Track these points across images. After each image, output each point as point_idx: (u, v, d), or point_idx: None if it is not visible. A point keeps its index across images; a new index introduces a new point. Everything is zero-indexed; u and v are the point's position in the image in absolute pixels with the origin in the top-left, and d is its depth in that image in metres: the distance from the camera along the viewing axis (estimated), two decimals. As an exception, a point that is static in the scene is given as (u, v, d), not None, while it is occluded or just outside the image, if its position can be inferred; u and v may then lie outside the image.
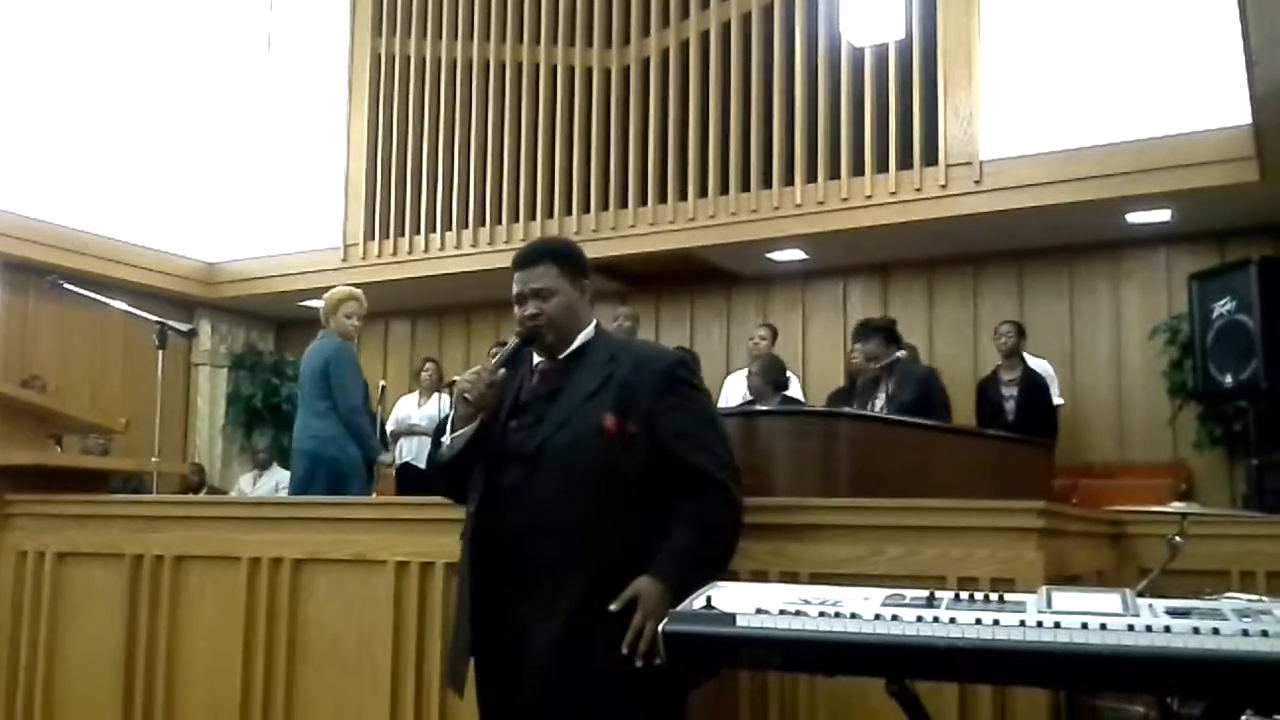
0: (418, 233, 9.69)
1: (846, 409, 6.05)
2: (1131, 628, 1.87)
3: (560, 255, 2.83)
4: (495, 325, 10.00)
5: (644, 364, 2.73)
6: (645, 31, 8.92)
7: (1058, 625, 1.91)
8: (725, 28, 8.58)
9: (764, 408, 6.26)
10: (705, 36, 8.65)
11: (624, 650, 2.46)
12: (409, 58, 9.97)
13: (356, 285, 6.51)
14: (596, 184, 8.92)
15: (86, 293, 6.40)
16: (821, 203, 8.02)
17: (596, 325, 2.85)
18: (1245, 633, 1.82)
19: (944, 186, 7.62)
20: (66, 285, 6.32)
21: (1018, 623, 1.94)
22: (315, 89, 10.38)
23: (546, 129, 9.23)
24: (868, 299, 8.98)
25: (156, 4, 10.16)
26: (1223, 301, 6.49)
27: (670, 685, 2.51)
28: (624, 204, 8.80)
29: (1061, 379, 7.92)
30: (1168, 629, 1.86)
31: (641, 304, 9.12)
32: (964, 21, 7.64)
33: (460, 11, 9.75)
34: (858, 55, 7.98)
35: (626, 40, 8.99)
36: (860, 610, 2.04)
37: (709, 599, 2.17)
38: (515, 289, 2.80)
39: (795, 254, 8.73)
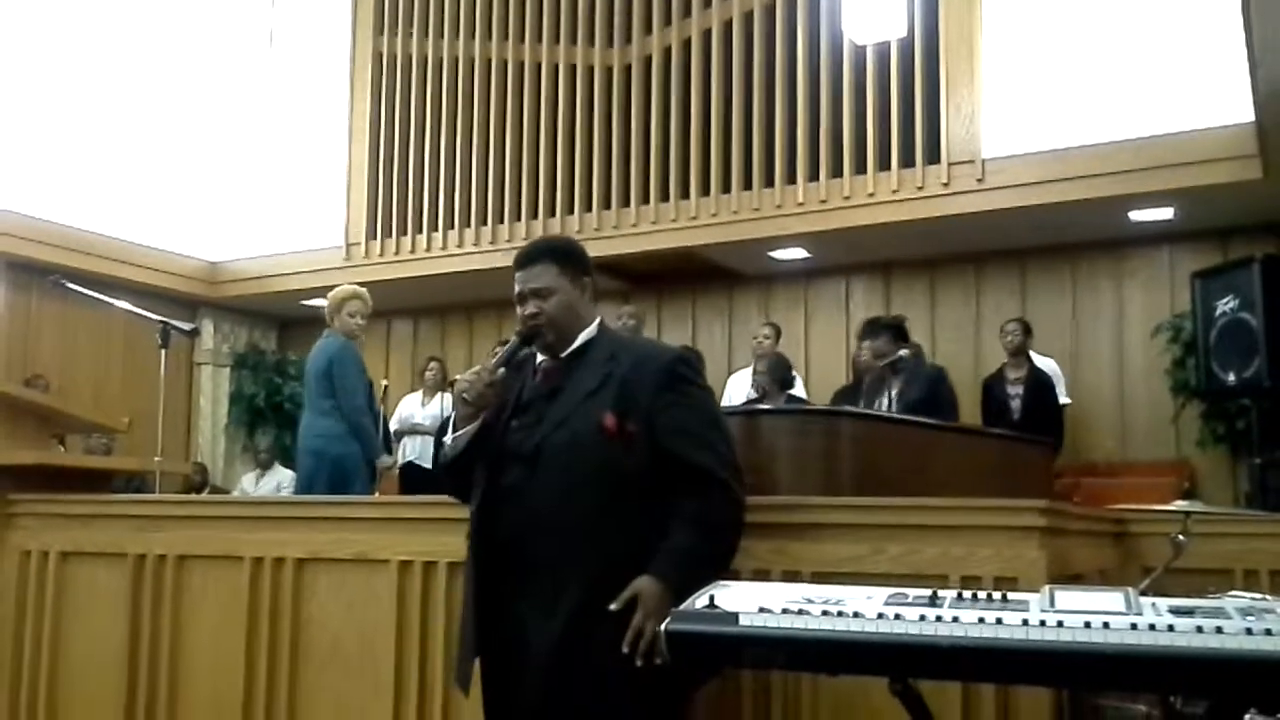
0: (420, 232, 9.69)
1: (849, 408, 6.05)
2: (1135, 626, 1.87)
3: (560, 254, 2.83)
4: (498, 324, 10.00)
5: (644, 362, 2.71)
6: (647, 29, 8.92)
7: (1061, 624, 1.91)
8: (727, 26, 8.57)
9: (766, 406, 6.27)
10: (707, 35, 8.65)
11: (624, 650, 2.45)
12: (410, 56, 9.97)
13: (359, 284, 6.51)
14: (598, 182, 8.92)
15: (89, 292, 6.41)
16: (824, 201, 8.02)
17: (600, 324, 2.84)
18: (1249, 631, 1.82)
19: (946, 185, 7.61)
20: (69, 284, 6.33)
21: (1020, 622, 1.94)
22: (317, 88, 10.38)
23: (548, 127, 9.23)
24: (870, 297, 8.98)
25: (158, 3, 10.16)
26: (1226, 300, 6.48)
27: (672, 685, 2.49)
28: (626, 202, 8.80)
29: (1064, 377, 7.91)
30: (1171, 628, 1.86)
31: (643, 303, 9.11)
32: (966, 19, 7.63)
33: (462, 10, 9.75)
34: (859, 53, 7.97)
35: (629, 38, 8.99)
36: (863, 609, 2.04)
37: (711, 598, 2.17)
38: (516, 288, 2.80)
39: (797, 252, 8.73)
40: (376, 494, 6.30)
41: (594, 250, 2.98)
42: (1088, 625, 1.89)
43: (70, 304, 8.90)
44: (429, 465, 8.36)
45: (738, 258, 8.94)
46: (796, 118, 8.17)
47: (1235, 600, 2.23)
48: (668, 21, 8.83)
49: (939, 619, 1.98)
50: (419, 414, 8.80)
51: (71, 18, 9.46)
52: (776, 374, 6.75)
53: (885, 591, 2.18)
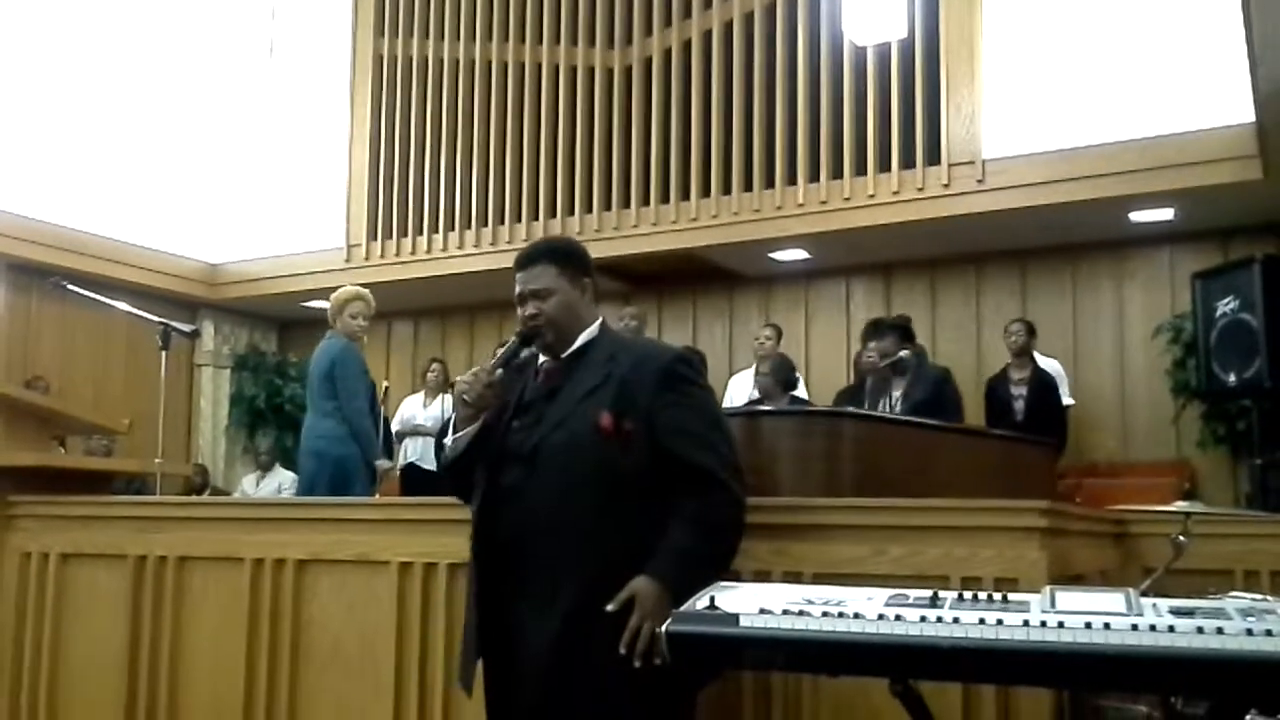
0: (420, 233, 9.70)
1: (850, 408, 6.05)
2: (1135, 627, 1.87)
3: (559, 254, 2.83)
4: (499, 325, 10.01)
5: (644, 362, 2.71)
6: (648, 31, 8.92)
7: (1061, 625, 1.91)
8: (727, 27, 8.58)
9: (767, 407, 6.26)
10: (707, 36, 8.65)
11: (622, 650, 2.44)
12: (411, 58, 9.97)
13: (360, 286, 6.50)
14: (599, 184, 8.93)
15: (89, 294, 6.41)
16: (824, 202, 8.02)
17: (601, 324, 2.83)
18: (1249, 632, 1.82)
19: (946, 186, 7.61)
20: (69, 286, 6.33)
21: (1021, 622, 1.94)
22: (318, 89, 10.38)
23: (549, 129, 9.23)
24: (871, 298, 8.98)
25: (160, 4, 10.16)
26: (1226, 300, 6.48)
27: (673, 686, 2.48)
28: (626, 204, 8.80)
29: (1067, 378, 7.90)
30: (1172, 629, 1.85)
31: (644, 304, 9.10)
32: (966, 20, 7.64)
33: (462, 12, 9.75)
34: (860, 54, 7.97)
35: (629, 40, 8.99)
36: (864, 610, 2.04)
37: (712, 599, 2.16)
38: (516, 289, 2.81)
39: (798, 254, 8.73)
40: (377, 495, 6.30)
41: (595, 251, 2.98)
42: (1088, 626, 1.89)
43: (71, 305, 8.91)
44: (430, 466, 8.35)
45: (738, 259, 8.94)
46: (797, 119, 8.18)
47: (1236, 601, 2.23)
48: (668, 23, 8.84)
49: (940, 620, 1.98)
50: (420, 415, 8.80)
51: (74, 20, 9.46)
52: (780, 375, 6.74)
53: (886, 592, 2.18)
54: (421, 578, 3.36)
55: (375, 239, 9.87)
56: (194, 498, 7.98)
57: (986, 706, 2.66)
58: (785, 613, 2.06)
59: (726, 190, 8.40)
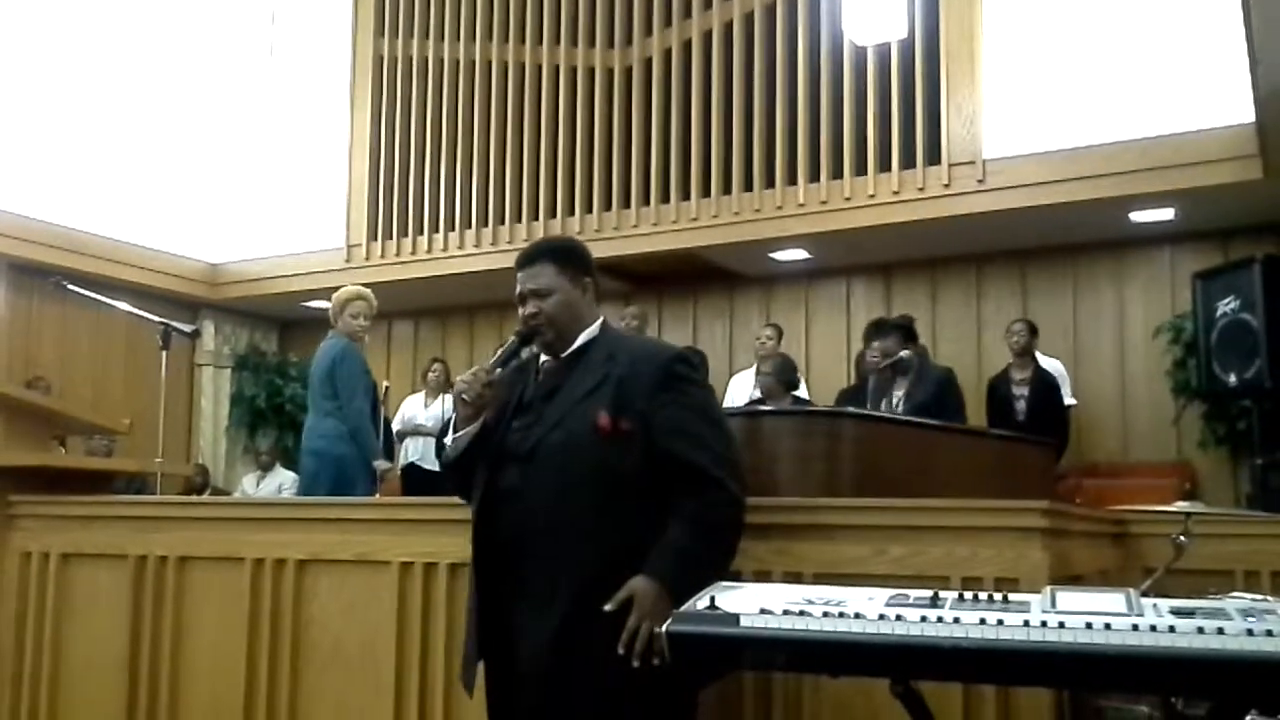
0: (421, 233, 9.70)
1: (850, 408, 6.04)
2: (1136, 628, 1.87)
3: (559, 254, 2.82)
4: (499, 325, 10.01)
5: (642, 361, 2.70)
6: (648, 31, 8.92)
7: (1062, 625, 1.90)
8: (727, 27, 8.58)
9: (767, 407, 6.26)
10: (708, 36, 8.65)
11: (620, 651, 2.44)
12: (411, 58, 9.97)
13: (361, 285, 6.49)
14: (599, 184, 8.93)
15: (90, 294, 6.42)
16: (824, 202, 8.02)
17: (602, 324, 2.83)
18: (1250, 633, 1.82)
19: (947, 186, 7.61)
20: (70, 286, 6.34)
21: (1022, 623, 1.94)
22: (318, 89, 10.39)
23: (549, 129, 9.23)
24: (871, 299, 8.98)
25: (160, 5, 10.16)
26: (1226, 300, 6.48)
27: (673, 686, 2.48)
28: (626, 204, 8.80)
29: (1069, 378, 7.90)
30: (1172, 629, 1.85)
31: (644, 304, 9.11)
32: (966, 20, 7.64)
33: (462, 13, 9.75)
34: (860, 54, 7.98)
35: (629, 40, 8.99)
36: (864, 610, 2.03)
37: (713, 599, 2.16)
38: (517, 288, 2.81)
39: (798, 254, 8.73)
40: (378, 495, 6.30)
41: (595, 252, 2.98)
42: (1089, 626, 1.89)
43: (71, 305, 8.91)
44: (431, 467, 8.36)
45: (738, 259, 8.94)
46: (797, 119, 8.18)
47: (1236, 601, 2.23)
48: (668, 23, 8.84)
49: (940, 620, 1.98)
50: (421, 415, 8.81)
51: (74, 20, 9.46)
52: (783, 375, 6.75)
53: (887, 593, 2.18)
54: (422, 578, 3.36)
55: (375, 239, 9.87)
56: (194, 498, 7.97)
57: (987, 707, 2.66)
58: (786, 613, 2.06)
59: (727, 190, 8.40)
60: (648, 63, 8.90)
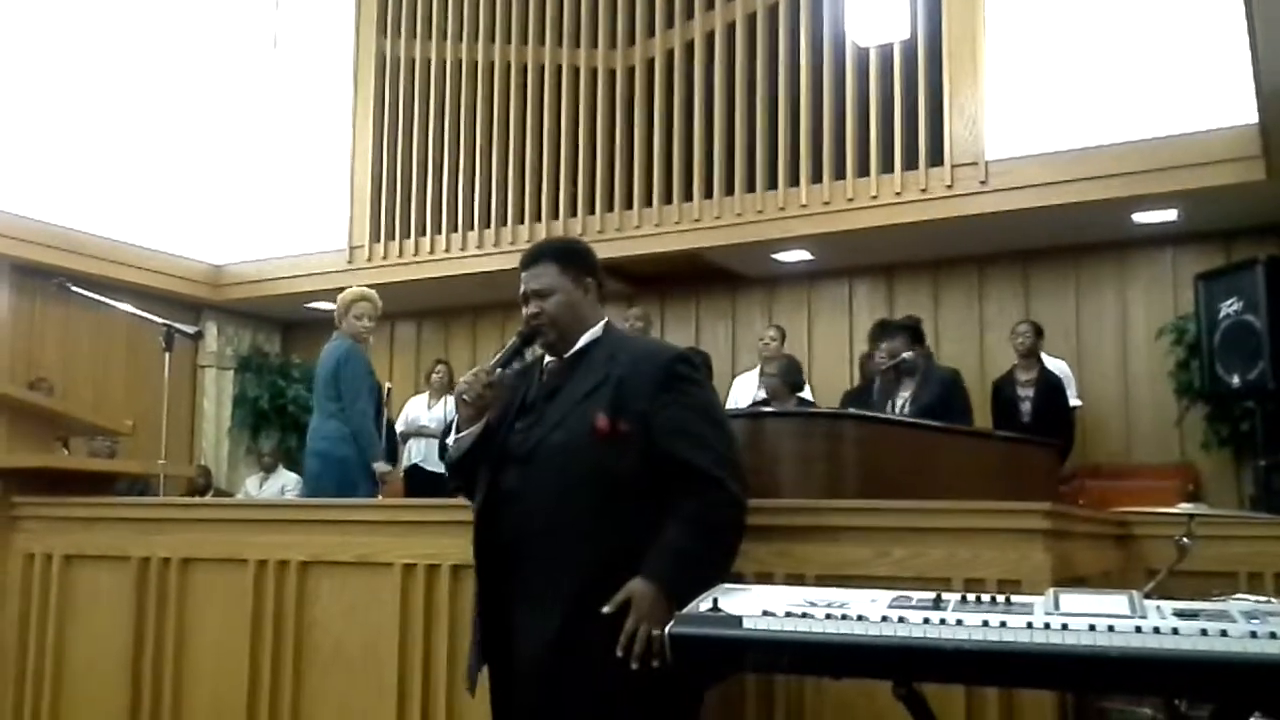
0: (423, 234, 9.70)
1: (852, 410, 6.04)
2: (1139, 629, 1.87)
3: (561, 254, 2.82)
4: (502, 326, 10.01)
5: (643, 361, 2.69)
6: (650, 32, 8.93)
7: (1065, 627, 1.90)
8: (730, 28, 8.58)
9: (769, 409, 6.26)
10: (710, 37, 8.65)
11: (619, 653, 2.43)
12: (414, 59, 9.98)
13: (365, 286, 6.49)
14: (602, 185, 8.93)
15: (92, 295, 6.42)
16: (827, 203, 8.02)
17: (606, 324, 2.82)
18: (1253, 634, 1.82)
19: (949, 187, 7.61)
20: (73, 287, 6.34)
21: (1025, 624, 1.93)
22: (321, 91, 10.39)
23: (551, 130, 9.24)
24: (873, 299, 8.97)
25: (162, 7, 10.17)
26: (1229, 302, 6.47)
27: (675, 688, 2.47)
28: (629, 205, 8.80)
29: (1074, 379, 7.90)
30: (1175, 631, 1.85)
31: (647, 305, 9.11)
32: (969, 21, 7.63)
33: (465, 13, 9.76)
34: (863, 55, 7.98)
35: (632, 41, 8.99)
36: (867, 612, 2.03)
37: (715, 601, 2.16)
38: (520, 289, 2.81)
39: (801, 255, 8.73)
40: (380, 497, 6.30)
41: (597, 252, 2.97)
42: (1092, 628, 1.88)
43: (74, 307, 8.92)
44: (433, 468, 8.37)
45: (741, 260, 8.93)
46: (799, 120, 8.18)
47: (1240, 603, 2.22)
48: (670, 24, 8.84)
49: (943, 622, 1.98)
50: (425, 416, 8.81)
51: (75, 21, 9.47)
52: (789, 376, 6.75)
53: (889, 594, 2.18)
54: (424, 579, 3.36)
55: (378, 240, 9.87)
56: (197, 499, 7.98)
57: (990, 709, 2.66)
58: (788, 615, 2.05)
59: (729, 191, 8.40)
60: (650, 63, 8.90)
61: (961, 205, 7.60)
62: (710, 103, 8.57)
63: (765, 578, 2.82)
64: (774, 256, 8.77)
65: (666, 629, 2.14)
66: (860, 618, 2.01)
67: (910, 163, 7.75)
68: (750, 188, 8.33)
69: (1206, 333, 6.64)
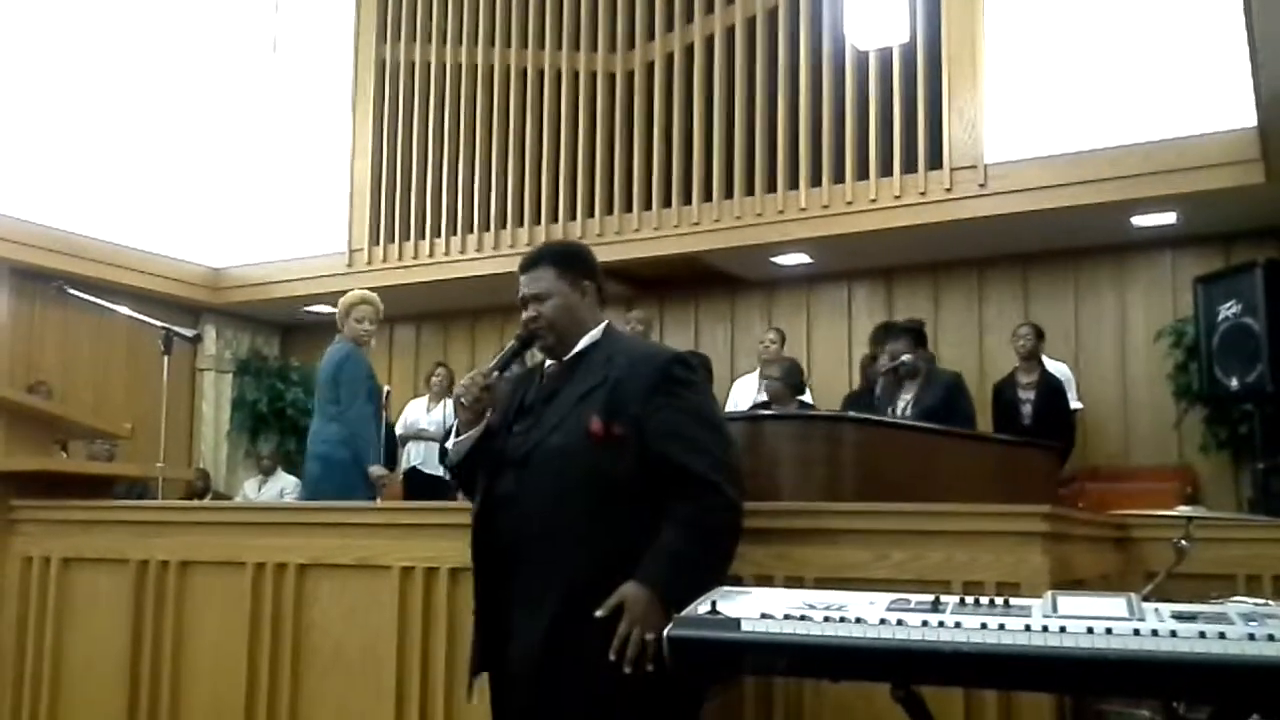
0: (423, 238, 9.70)
1: (850, 413, 6.03)
2: (1137, 632, 1.87)
3: (559, 257, 2.82)
4: (501, 330, 10.02)
5: (638, 364, 2.67)
6: (650, 36, 8.93)
7: (1063, 629, 1.90)
8: (730, 32, 8.59)
9: (768, 412, 6.26)
10: (710, 41, 8.66)
11: (612, 657, 2.42)
12: (413, 63, 9.99)
13: (366, 290, 6.48)
14: (601, 188, 8.93)
15: (92, 298, 6.41)
16: (826, 206, 8.02)
17: (606, 327, 2.81)
18: (1251, 637, 1.82)
19: (949, 190, 7.61)
20: (71, 291, 6.33)
21: (1023, 627, 1.93)
22: (320, 95, 10.40)
23: (551, 133, 9.24)
24: (872, 303, 8.98)
25: (161, 10, 10.18)
26: (1228, 304, 6.48)
27: (673, 692, 2.45)
28: (629, 208, 8.81)
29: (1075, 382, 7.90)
30: (1174, 633, 1.85)
31: (646, 308, 9.11)
32: (968, 25, 7.64)
33: (464, 17, 9.77)
34: (862, 59, 7.98)
35: (631, 45, 9.00)
36: (865, 615, 2.03)
37: (714, 604, 2.16)
38: (519, 292, 2.81)
39: (800, 258, 8.73)
40: (380, 500, 6.29)
41: (597, 255, 2.97)
42: (1090, 631, 1.88)
43: (73, 310, 8.92)
44: (432, 471, 8.36)
45: (740, 263, 8.94)
46: (799, 123, 8.18)
47: (1238, 605, 2.22)
48: (670, 27, 8.84)
49: (941, 625, 1.98)
50: (423, 419, 8.80)
51: (75, 24, 9.47)
52: (791, 379, 6.75)
53: (888, 597, 2.18)
54: (423, 582, 3.35)
55: (377, 243, 9.88)
56: (195, 502, 7.97)
57: (988, 711, 2.66)
58: (787, 617, 2.05)
59: (728, 194, 8.40)
60: (650, 67, 8.90)
61: (960, 209, 7.60)
62: (709, 106, 8.58)
63: (764, 580, 2.82)
64: (773, 260, 8.77)
65: (665, 632, 2.14)
66: (859, 620, 2.02)
67: (909, 166, 7.76)
68: (749, 191, 8.33)
69: (1205, 335, 6.64)
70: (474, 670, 2.73)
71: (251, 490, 9.91)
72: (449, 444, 2.82)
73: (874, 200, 7.85)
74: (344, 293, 6.38)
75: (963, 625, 1.96)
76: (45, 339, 9.48)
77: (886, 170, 7.84)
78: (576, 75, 9.19)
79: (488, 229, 9.40)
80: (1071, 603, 2.01)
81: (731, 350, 9.38)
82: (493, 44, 9.61)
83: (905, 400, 5.91)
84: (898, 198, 7.77)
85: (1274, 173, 6.62)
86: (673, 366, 2.67)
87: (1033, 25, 7.49)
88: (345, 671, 3.46)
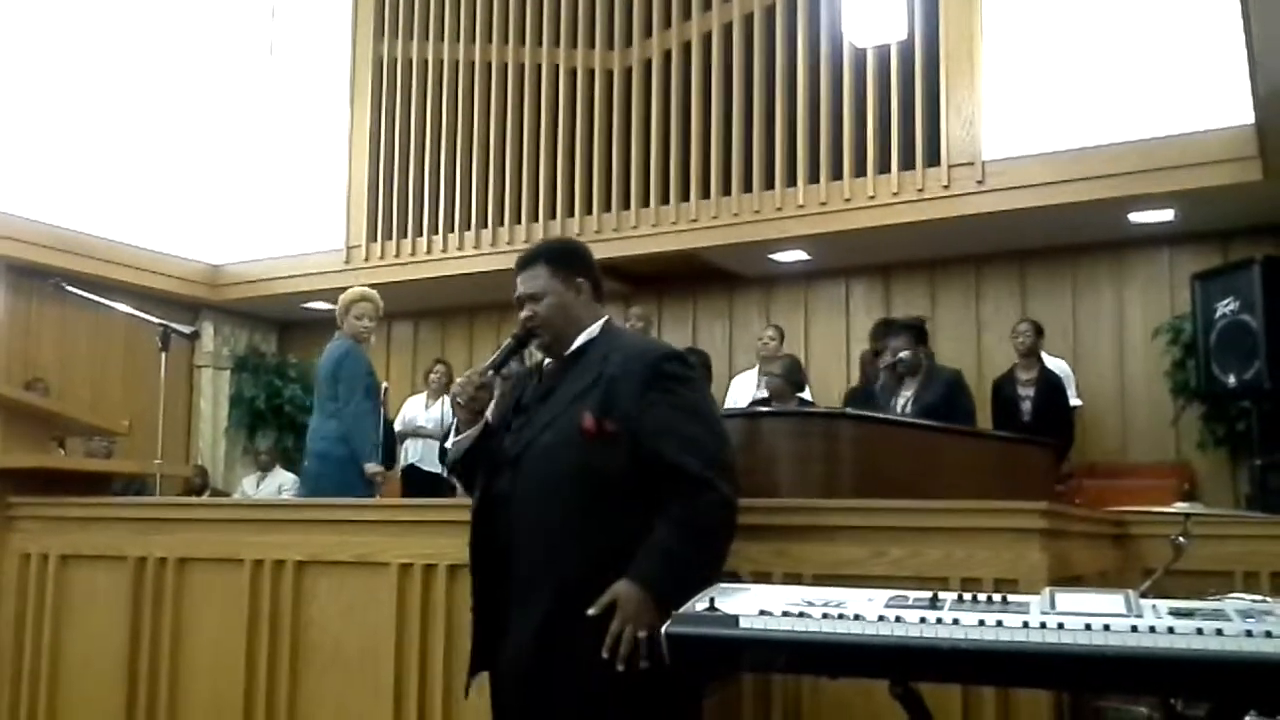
0: (420, 234, 9.70)
1: (848, 409, 6.03)
2: (1135, 629, 1.87)
3: (551, 256, 2.81)
4: (498, 327, 10.01)
5: (632, 360, 2.66)
6: (647, 32, 8.92)
7: (1061, 626, 1.91)
8: (727, 28, 8.58)
9: (766, 409, 6.26)
10: (707, 38, 8.65)
11: (604, 655, 2.41)
12: (411, 60, 9.98)
13: (366, 286, 6.48)
14: (599, 185, 8.93)
15: (89, 295, 6.41)
16: (824, 203, 8.02)
17: (605, 324, 2.81)
18: (1249, 633, 1.82)
19: (946, 187, 7.61)
20: (69, 287, 6.33)
21: (1021, 624, 1.94)
22: (318, 91, 10.39)
23: (549, 130, 9.23)
24: (870, 300, 8.98)
25: (160, 6, 10.17)
26: (1226, 301, 6.48)
27: (669, 690, 2.45)
28: (626, 205, 8.80)
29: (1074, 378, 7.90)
30: (1171, 630, 1.85)
31: (644, 305, 9.11)
32: (966, 21, 7.64)
33: (462, 14, 9.75)
34: (860, 55, 7.98)
35: (629, 41, 8.99)
36: (864, 612, 2.04)
37: (712, 601, 2.16)
38: (515, 293, 2.81)
39: (798, 255, 8.73)
40: (379, 496, 6.29)
41: (594, 253, 2.97)
42: (1088, 627, 1.89)
43: (70, 307, 8.91)
44: (431, 468, 8.36)
45: (738, 260, 8.94)
46: (796, 120, 8.18)
47: (1235, 602, 2.23)
48: (667, 24, 8.84)
49: (939, 621, 1.98)
50: (422, 417, 8.80)
51: (74, 22, 9.46)
52: (792, 376, 6.75)
53: (886, 594, 2.18)
54: (421, 579, 3.36)
55: (375, 240, 9.87)
56: (193, 499, 7.97)
57: (986, 708, 2.66)
58: (785, 614, 2.06)
59: (726, 191, 8.40)
60: (647, 64, 8.90)
61: (958, 205, 7.60)
62: (707, 103, 8.57)
63: (762, 577, 2.82)
64: (771, 257, 8.77)
65: (663, 629, 2.14)
66: (857, 617, 2.02)
67: (907, 163, 7.76)
68: (747, 188, 8.33)
69: (1203, 332, 6.64)
70: (472, 669, 2.73)
71: (249, 487, 9.90)
72: (449, 444, 2.82)
73: (872, 197, 7.85)
74: (342, 289, 6.38)
75: (961, 622, 1.97)
76: (43, 336, 9.47)
77: (884, 167, 7.84)
78: (574, 72, 9.18)
79: (485, 226, 9.40)
80: (1069, 599, 2.02)
81: (730, 347, 9.38)
82: (490, 40, 9.60)
83: (906, 397, 5.91)
84: (895, 195, 7.77)
85: (1271, 170, 6.63)
86: (665, 363, 2.66)
87: (1030, 22, 7.49)
88: (344, 668, 3.46)
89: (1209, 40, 6.79)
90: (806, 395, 7.26)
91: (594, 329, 2.79)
